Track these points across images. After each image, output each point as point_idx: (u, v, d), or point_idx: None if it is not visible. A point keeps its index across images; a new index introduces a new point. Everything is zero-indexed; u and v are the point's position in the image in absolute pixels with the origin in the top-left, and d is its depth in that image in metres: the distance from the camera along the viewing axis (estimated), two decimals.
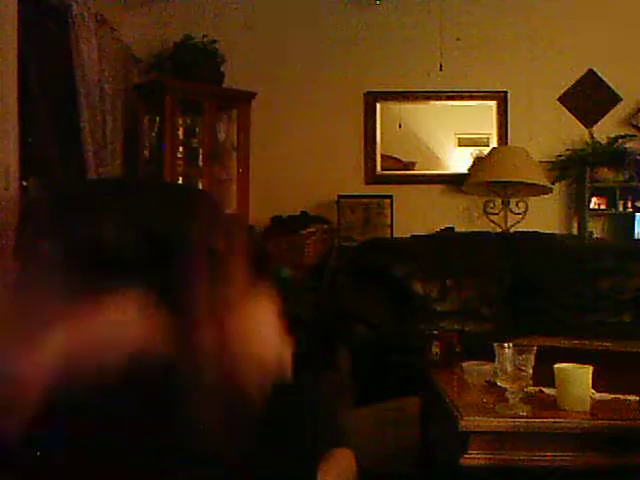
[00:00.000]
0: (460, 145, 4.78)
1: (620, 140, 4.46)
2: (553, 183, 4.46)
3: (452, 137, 4.79)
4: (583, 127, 4.64)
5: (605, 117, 4.63)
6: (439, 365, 2.20)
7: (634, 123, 4.55)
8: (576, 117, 4.66)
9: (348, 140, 4.70)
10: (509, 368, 1.66)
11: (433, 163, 4.78)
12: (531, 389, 1.74)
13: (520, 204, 4.52)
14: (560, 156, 4.56)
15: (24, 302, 1.07)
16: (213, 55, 4.43)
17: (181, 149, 4.34)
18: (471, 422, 1.62)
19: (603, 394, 1.78)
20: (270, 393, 1.06)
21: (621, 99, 4.61)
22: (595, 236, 4.54)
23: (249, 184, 4.49)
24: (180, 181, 4.27)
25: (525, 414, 1.65)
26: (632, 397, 1.78)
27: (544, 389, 1.80)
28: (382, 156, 4.74)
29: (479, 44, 4.61)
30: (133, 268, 1.67)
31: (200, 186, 4.28)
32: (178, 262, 1.36)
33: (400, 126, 4.66)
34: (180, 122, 4.31)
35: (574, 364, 1.71)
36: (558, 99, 4.66)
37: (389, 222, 4.48)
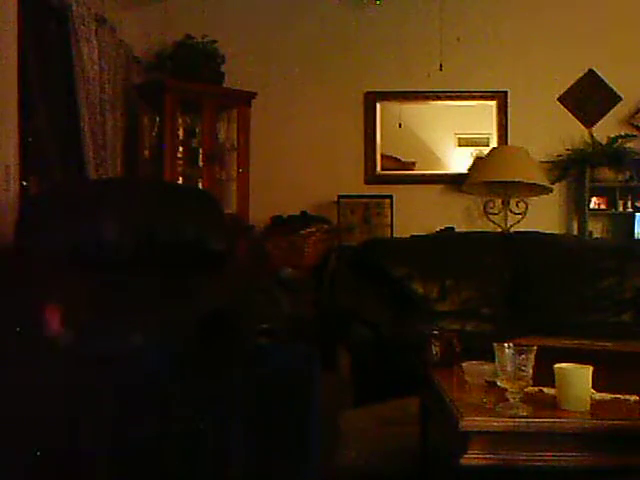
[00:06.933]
0: (460, 145, 4.78)
1: (620, 140, 4.46)
2: (553, 183, 4.46)
3: (452, 137, 4.79)
4: (583, 127, 4.64)
5: (605, 117, 4.63)
6: (439, 365, 2.19)
7: (634, 123, 4.55)
8: (576, 117, 4.66)
9: (348, 140, 4.70)
10: (509, 368, 1.66)
11: (433, 163, 4.77)
12: (531, 389, 1.74)
13: (520, 204, 4.52)
14: (560, 156, 4.57)
15: None
16: (213, 55, 4.43)
17: (181, 149, 4.34)
18: (471, 422, 1.62)
19: (603, 394, 1.78)
20: None
21: (621, 99, 4.61)
22: (595, 236, 4.54)
23: (249, 184, 4.49)
24: (180, 181, 4.27)
25: (525, 414, 1.65)
26: (632, 397, 1.78)
27: (544, 389, 1.80)
28: (382, 156, 4.74)
29: (479, 44, 4.61)
30: (133, 267, 1.68)
31: (200, 186, 4.28)
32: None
33: (400, 126, 4.66)
34: (180, 122, 4.32)
35: (574, 364, 1.71)
36: (558, 99, 4.66)
37: (389, 222, 4.48)
